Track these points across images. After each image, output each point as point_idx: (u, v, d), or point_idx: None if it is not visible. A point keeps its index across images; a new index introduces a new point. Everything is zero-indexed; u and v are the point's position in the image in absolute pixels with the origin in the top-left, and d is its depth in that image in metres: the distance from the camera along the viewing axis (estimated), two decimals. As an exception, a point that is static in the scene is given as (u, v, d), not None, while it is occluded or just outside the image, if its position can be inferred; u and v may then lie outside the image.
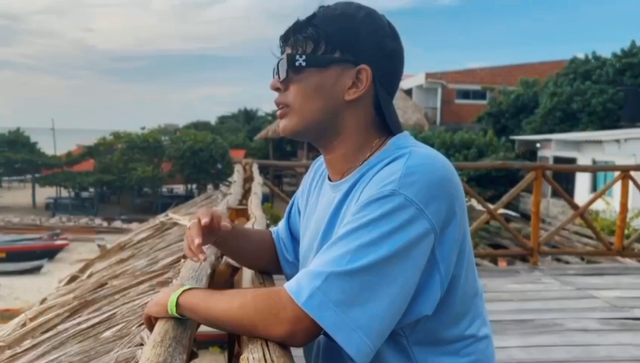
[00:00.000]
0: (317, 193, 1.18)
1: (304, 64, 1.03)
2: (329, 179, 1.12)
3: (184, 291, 1.03)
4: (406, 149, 0.99)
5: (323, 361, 1.06)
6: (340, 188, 1.06)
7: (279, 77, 1.07)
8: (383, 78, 1.04)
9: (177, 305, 1.02)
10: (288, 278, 1.27)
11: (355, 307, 0.87)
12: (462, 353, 1.02)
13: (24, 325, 2.57)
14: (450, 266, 0.96)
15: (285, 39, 1.08)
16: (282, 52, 1.08)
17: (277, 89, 1.08)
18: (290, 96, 1.06)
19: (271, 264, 1.32)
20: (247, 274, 1.41)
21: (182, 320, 1.05)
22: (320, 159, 1.22)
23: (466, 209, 1.00)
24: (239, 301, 0.95)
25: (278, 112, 1.09)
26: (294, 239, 1.29)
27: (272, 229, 1.37)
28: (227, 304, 0.96)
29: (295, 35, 1.05)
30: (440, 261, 0.94)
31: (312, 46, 1.03)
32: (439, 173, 0.94)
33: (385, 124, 1.06)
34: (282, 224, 1.33)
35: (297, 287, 0.90)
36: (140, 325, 1.56)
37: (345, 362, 0.92)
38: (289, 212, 1.31)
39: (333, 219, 1.05)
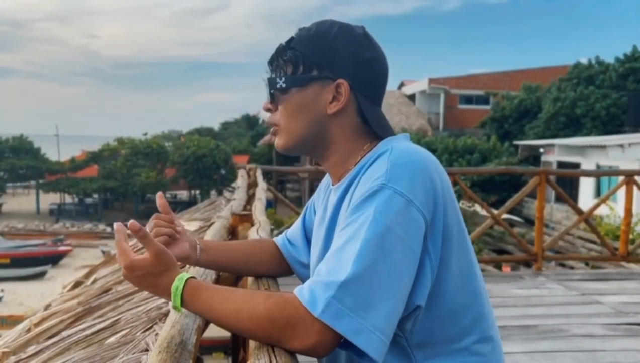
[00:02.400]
0: (326, 198, 1.21)
1: (284, 85, 1.09)
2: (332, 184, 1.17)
3: (185, 282, 0.99)
4: (388, 146, 1.03)
5: None
6: (338, 191, 1.10)
7: (269, 99, 1.14)
8: (363, 87, 1.09)
9: (182, 300, 0.99)
10: (303, 279, 1.28)
11: (370, 310, 0.88)
12: (463, 355, 1.02)
13: (28, 330, 2.57)
14: (438, 255, 0.97)
15: (270, 63, 1.15)
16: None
17: (268, 110, 1.15)
18: (278, 115, 1.13)
19: (272, 270, 1.35)
20: (251, 279, 1.41)
21: (189, 325, 1.05)
22: None
23: (455, 198, 1.02)
24: (250, 311, 0.93)
25: (271, 131, 1.17)
26: (309, 242, 1.31)
27: (279, 237, 1.39)
28: (235, 310, 0.95)
29: (278, 60, 1.12)
30: (431, 249, 0.96)
31: (292, 67, 1.09)
32: (423, 164, 0.98)
33: (373, 129, 1.10)
34: (296, 230, 1.35)
35: (311, 298, 0.90)
36: (145, 331, 1.57)
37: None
38: (305, 216, 1.35)
39: (333, 221, 1.08)
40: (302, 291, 0.92)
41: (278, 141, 1.14)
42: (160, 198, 1.24)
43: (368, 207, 0.93)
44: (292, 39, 1.11)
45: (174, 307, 1.00)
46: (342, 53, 1.07)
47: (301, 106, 1.09)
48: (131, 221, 0.99)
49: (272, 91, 1.11)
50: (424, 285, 0.96)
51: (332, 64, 1.07)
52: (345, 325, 0.88)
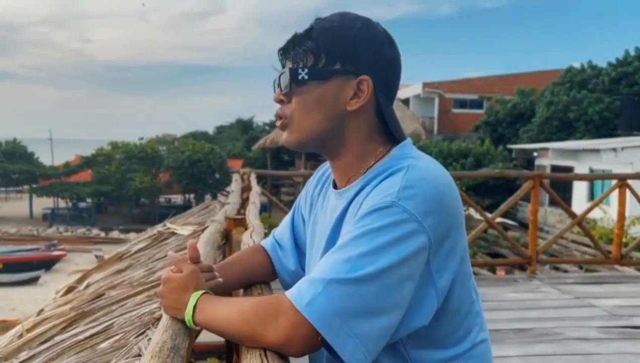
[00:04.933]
0: (322, 200, 1.19)
1: (306, 77, 1.04)
2: (334, 186, 1.14)
3: (200, 296, 1.04)
4: (406, 161, 1.00)
5: None
6: (344, 196, 1.07)
7: (281, 90, 1.08)
8: (383, 86, 1.06)
9: (194, 313, 1.03)
10: (286, 288, 1.27)
11: (353, 316, 0.88)
12: (459, 359, 1.03)
13: (20, 336, 2.54)
14: (445, 279, 0.96)
15: (284, 52, 1.09)
16: (282, 65, 1.10)
17: (280, 102, 1.10)
18: (292, 108, 1.07)
19: (267, 276, 1.32)
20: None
21: (182, 329, 1.05)
22: (325, 166, 1.24)
23: (464, 223, 1.01)
24: (239, 308, 0.96)
25: (279, 123, 1.11)
26: (298, 247, 1.29)
27: (266, 241, 1.36)
28: (228, 311, 0.97)
29: (295, 49, 1.06)
30: (435, 274, 0.95)
31: (313, 59, 1.04)
32: (437, 187, 0.95)
33: (388, 131, 1.08)
34: (284, 233, 1.32)
35: (297, 293, 0.91)
36: (138, 336, 1.56)
37: None
38: (292, 220, 1.31)
39: (337, 226, 1.06)
40: (292, 289, 0.93)
41: (289, 137, 1.09)
42: (192, 249, 1.13)
43: (374, 220, 0.91)
44: (311, 28, 1.06)
45: (187, 321, 1.04)
46: (367, 49, 1.04)
47: (320, 100, 1.05)
48: (170, 253, 1.14)
49: (290, 82, 1.05)
50: (429, 309, 0.96)
51: (356, 59, 1.04)
52: (325, 323, 0.87)
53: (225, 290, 1.22)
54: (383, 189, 0.95)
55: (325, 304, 0.87)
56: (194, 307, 1.03)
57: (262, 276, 1.31)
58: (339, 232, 1.04)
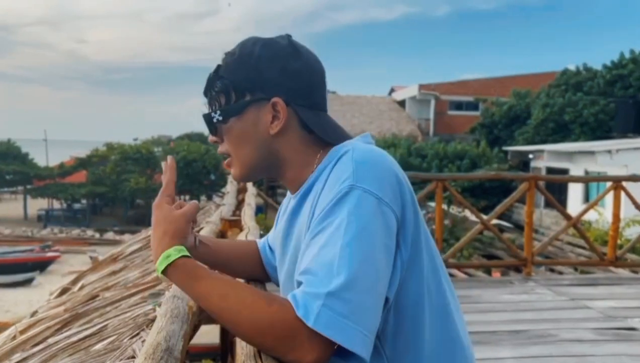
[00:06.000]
0: (286, 206, 1.22)
1: (220, 118, 1.08)
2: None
3: (180, 257, 0.99)
4: (346, 147, 1.03)
5: None
6: (296, 197, 1.10)
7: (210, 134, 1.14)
8: (299, 99, 1.07)
9: (170, 274, 0.99)
10: (277, 284, 1.28)
11: (362, 313, 0.88)
12: (434, 357, 1.02)
13: (14, 338, 2.53)
14: (409, 250, 0.97)
15: (205, 95, 1.13)
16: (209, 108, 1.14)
17: (216, 142, 1.14)
18: (226, 146, 1.12)
19: (255, 273, 1.33)
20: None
21: (176, 331, 1.04)
22: None
23: (415, 197, 1.02)
24: (250, 315, 0.91)
25: (225, 163, 1.15)
26: None
27: (262, 240, 1.39)
28: (236, 312, 0.92)
29: (210, 92, 1.10)
30: (402, 245, 0.97)
31: (225, 97, 1.08)
32: (385, 162, 0.98)
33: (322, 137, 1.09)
34: (273, 232, 1.35)
35: (304, 309, 0.88)
36: (132, 337, 1.55)
37: None
38: (277, 222, 1.32)
39: (289, 226, 1.09)
40: (295, 301, 0.90)
41: (234, 172, 1.13)
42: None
43: (340, 211, 0.92)
44: (219, 67, 1.09)
45: (157, 271, 1.01)
46: (271, 70, 1.05)
47: (243, 133, 1.08)
48: (170, 158, 1.13)
49: (210, 127, 1.10)
50: (395, 279, 0.96)
51: (262, 84, 1.05)
52: (341, 332, 0.86)
53: (210, 263, 1.21)
54: (337, 178, 0.96)
55: (333, 314, 0.86)
56: (169, 266, 0.98)
57: (249, 267, 1.33)
58: (292, 227, 1.07)
